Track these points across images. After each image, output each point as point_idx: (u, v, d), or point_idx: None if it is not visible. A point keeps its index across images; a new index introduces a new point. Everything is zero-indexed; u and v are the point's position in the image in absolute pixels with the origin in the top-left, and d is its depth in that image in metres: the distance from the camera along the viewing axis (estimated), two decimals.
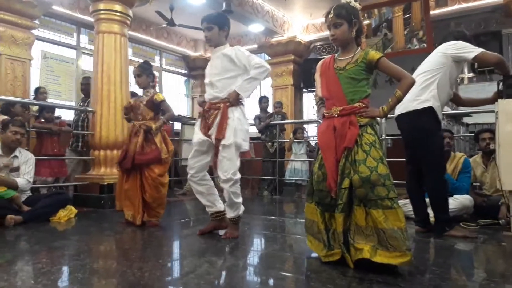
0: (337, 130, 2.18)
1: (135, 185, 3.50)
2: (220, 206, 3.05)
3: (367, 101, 2.23)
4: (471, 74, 6.94)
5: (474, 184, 3.98)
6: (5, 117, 4.20)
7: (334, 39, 2.27)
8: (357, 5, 2.27)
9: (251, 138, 6.91)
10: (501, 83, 3.11)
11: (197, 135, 2.96)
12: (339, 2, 2.28)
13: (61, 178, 5.21)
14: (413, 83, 2.24)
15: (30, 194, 3.89)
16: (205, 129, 2.91)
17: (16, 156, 3.73)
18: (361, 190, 2.04)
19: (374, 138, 2.14)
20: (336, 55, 2.38)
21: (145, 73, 3.60)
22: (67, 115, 6.40)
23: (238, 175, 2.84)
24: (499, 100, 3.08)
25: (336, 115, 2.22)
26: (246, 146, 2.89)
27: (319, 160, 2.28)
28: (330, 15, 2.24)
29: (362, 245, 2.04)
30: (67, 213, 3.81)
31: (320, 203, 2.23)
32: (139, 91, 3.85)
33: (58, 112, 5.50)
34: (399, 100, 2.24)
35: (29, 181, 3.76)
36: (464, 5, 6.73)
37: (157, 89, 4.93)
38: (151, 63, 3.90)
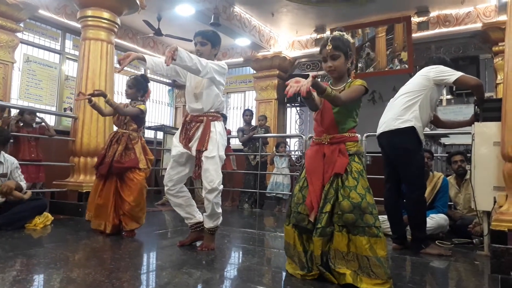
0: (326, 156, 2.22)
1: (109, 193, 3.46)
2: (199, 216, 3.05)
3: (354, 131, 2.29)
4: (449, 96, 7.15)
5: (449, 203, 4.09)
6: None
7: (332, 70, 2.28)
8: (349, 38, 2.32)
9: (234, 150, 7.02)
10: (477, 107, 3.23)
11: (176, 148, 2.95)
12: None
13: (38, 183, 5.11)
14: (343, 103, 2.15)
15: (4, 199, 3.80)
16: (186, 141, 2.91)
17: (1, 162, 3.66)
18: (351, 216, 2.07)
19: (361, 167, 2.20)
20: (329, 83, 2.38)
21: (136, 86, 3.62)
22: (49, 120, 6.32)
23: (222, 186, 2.87)
24: (475, 123, 3.19)
25: (325, 143, 2.26)
26: (223, 159, 2.94)
27: (301, 182, 2.32)
28: (328, 47, 2.24)
29: (344, 270, 2.06)
30: (43, 220, 3.73)
31: (297, 225, 2.26)
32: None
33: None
34: (331, 96, 2.06)
35: (26, 185, 3.86)
36: (444, 29, 6.96)
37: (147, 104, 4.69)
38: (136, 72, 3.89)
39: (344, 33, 2.32)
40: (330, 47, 2.24)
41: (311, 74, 1.95)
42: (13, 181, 3.65)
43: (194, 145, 2.88)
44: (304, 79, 1.92)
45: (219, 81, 2.92)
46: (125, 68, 2.74)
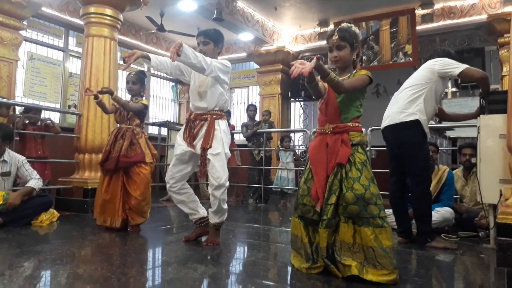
0: (329, 146, 2.22)
1: (116, 188, 3.48)
2: (203, 212, 3.06)
3: (358, 121, 2.29)
4: (454, 89, 7.10)
5: (455, 197, 4.07)
6: None
7: (337, 60, 2.30)
8: (357, 30, 2.33)
9: (238, 146, 7.02)
10: (482, 99, 3.21)
11: (180, 147, 2.95)
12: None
13: (44, 181, 5.13)
14: (346, 91, 2.18)
15: None
16: (190, 139, 2.92)
17: (5, 161, 3.65)
18: (355, 207, 2.08)
19: (365, 157, 2.20)
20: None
21: (140, 82, 3.67)
22: (53, 117, 6.33)
23: (228, 182, 2.87)
24: (481, 116, 3.17)
25: (329, 132, 2.26)
26: (228, 156, 2.95)
27: (305, 174, 2.33)
28: (334, 37, 2.27)
29: (350, 262, 2.07)
30: (49, 217, 3.75)
31: (303, 217, 2.27)
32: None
33: (43, 114, 5.41)
34: (334, 82, 2.09)
35: (39, 177, 3.77)
36: (449, 22, 6.90)
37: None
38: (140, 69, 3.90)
39: (352, 25, 2.33)
40: (337, 37, 2.26)
41: (316, 56, 1.95)
42: (17, 196, 3.54)
43: (198, 143, 2.88)
44: (308, 62, 1.95)
45: (223, 79, 2.91)
46: (123, 63, 2.73)
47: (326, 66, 2.11)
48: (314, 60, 1.93)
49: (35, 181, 3.71)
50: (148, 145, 3.62)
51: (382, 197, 2.19)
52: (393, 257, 2.05)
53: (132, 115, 3.59)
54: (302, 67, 1.93)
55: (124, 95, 4.08)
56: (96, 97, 3.48)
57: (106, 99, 3.79)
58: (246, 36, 7.85)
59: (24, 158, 3.82)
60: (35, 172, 3.80)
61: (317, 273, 2.16)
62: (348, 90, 2.18)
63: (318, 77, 2.24)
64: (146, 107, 3.66)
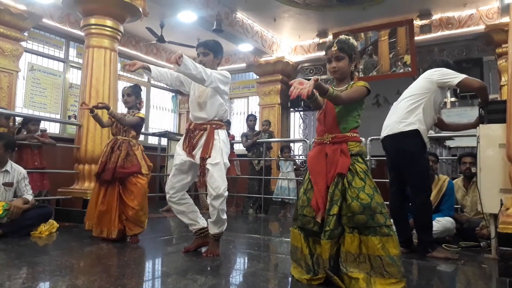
0: (328, 156, 2.23)
1: (112, 199, 3.48)
2: (203, 222, 3.05)
3: (356, 131, 2.30)
4: (453, 99, 7.13)
5: (455, 206, 4.06)
6: None
7: (335, 71, 2.33)
8: (355, 42, 2.37)
9: (238, 156, 7.02)
10: (481, 109, 3.22)
11: (180, 156, 2.96)
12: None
13: (43, 191, 5.11)
14: (343, 102, 2.21)
15: None
16: (190, 149, 2.92)
17: (7, 171, 3.65)
18: (362, 217, 2.07)
19: (366, 167, 2.22)
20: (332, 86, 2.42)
21: (134, 94, 3.71)
22: (53, 128, 6.37)
23: (227, 192, 2.87)
24: (480, 125, 3.17)
25: (327, 142, 2.27)
26: (227, 166, 2.95)
27: (305, 185, 2.32)
28: (333, 48, 2.29)
29: (357, 274, 2.05)
30: (49, 228, 3.73)
31: (303, 228, 2.26)
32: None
33: (42, 124, 5.41)
34: (332, 96, 2.11)
35: (33, 195, 3.83)
36: (447, 32, 6.95)
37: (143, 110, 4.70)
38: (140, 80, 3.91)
39: (350, 37, 2.37)
40: (336, 48, 2.29)
41: (313, 78, 1.96)
42: (20, 201, 3.59)
43: (197, 153, 2.88)
44: (307, 81, 1.96)
45: (223, 90, 2.93)
46: (129, 76, 2.75)
47: (324, 77, 2.12)
48: (312, 82, 1.94)
49: (30, 197, 3.76)
50: (144, 157, 3.65)
51: None
52: (401, 265, 2.04)
53: (129, 127, 3.62)
54: (301, 87, 1.93)
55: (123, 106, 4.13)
56: (91, 111, 3.53)
57: (103, 112, 3.82)
58: (245, 47, 7.91)
59: (25, 172, 3.82)
60: (31, 190, 3.84)
61: (317, 285, 2.14)
62: (345, 101, 2.21)
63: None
64: (142, 120, 3.69)
